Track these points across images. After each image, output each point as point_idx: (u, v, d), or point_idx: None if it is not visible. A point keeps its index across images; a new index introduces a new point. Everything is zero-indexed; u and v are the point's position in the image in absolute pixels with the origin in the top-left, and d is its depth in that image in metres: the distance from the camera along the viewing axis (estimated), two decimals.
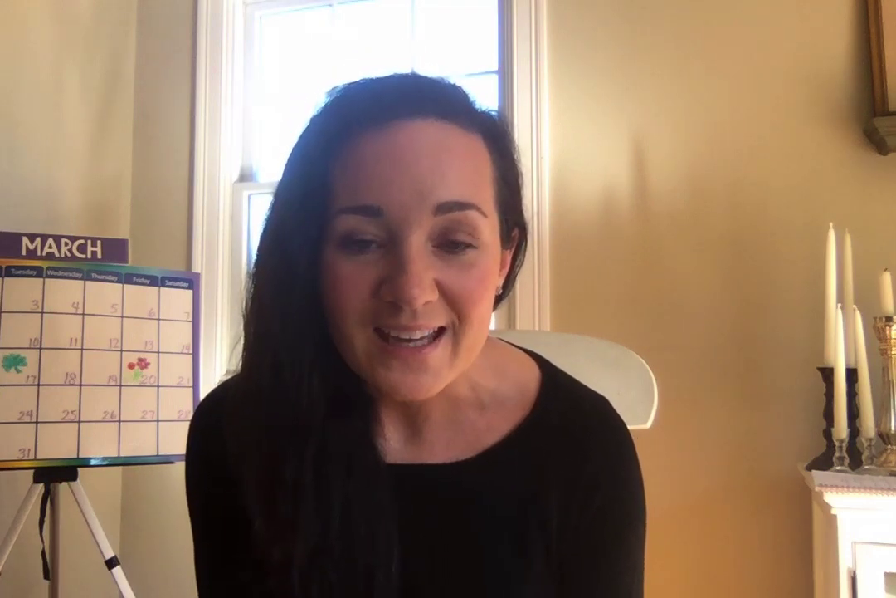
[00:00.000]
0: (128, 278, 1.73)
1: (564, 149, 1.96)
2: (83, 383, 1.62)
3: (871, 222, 1.70)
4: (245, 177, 2.32)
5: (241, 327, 0.64)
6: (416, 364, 0.59)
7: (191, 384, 1.74)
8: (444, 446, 0.67)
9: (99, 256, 1.74)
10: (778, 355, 1.75)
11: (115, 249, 1.77)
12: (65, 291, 1.65)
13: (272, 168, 2.32)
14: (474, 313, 0.60)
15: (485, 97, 0.66)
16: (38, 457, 1.55)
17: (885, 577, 1.29)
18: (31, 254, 1.68)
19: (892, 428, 1.48)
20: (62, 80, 2.12)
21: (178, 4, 2.35)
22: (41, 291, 1.63)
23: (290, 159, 0.63)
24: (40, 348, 1.60)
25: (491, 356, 0.71)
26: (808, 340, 1.69)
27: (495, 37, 2.08)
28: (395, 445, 0.67)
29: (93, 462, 1.61)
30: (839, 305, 1.55)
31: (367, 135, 0.58)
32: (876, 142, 1.70)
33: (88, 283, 1.68)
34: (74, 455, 1.58)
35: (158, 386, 1.70)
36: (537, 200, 1.92)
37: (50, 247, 1.70)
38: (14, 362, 1.57)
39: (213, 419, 0.69)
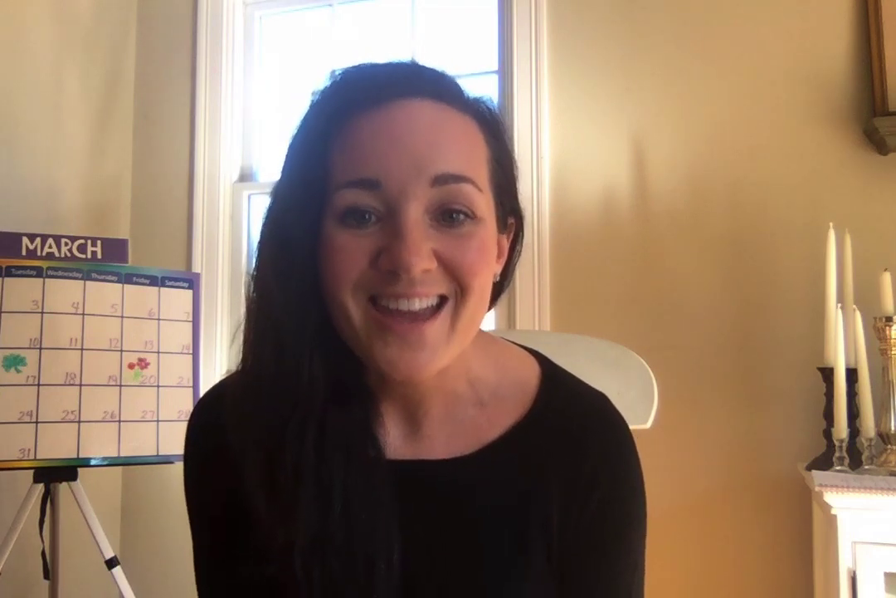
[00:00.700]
0: (128, 278, 1.73)
1: (564, 149, 1.96)
2: (83, 383, 1.62)
3: (871, 222, 1.70)
4: (245, 177, 2.32)
5: (243, 314, 0.65)
6: (413, 339, 0.59)
7: (191, 384, 1.74)
8: (443, 442, 0.67)
9: (99, 256, 1.74)
10: (778, 355, 1.75)
11: (115, 249, 1.77)
12: (65, 292, 1.65)
13: (272, 168, 2.32)
14: (475, 283, 0.60)
15: (482, 92, 0.67)
16: (38, 457, 1.55)
17: (885, 577, 1.29)
18: (31, 254, 1.68)
19: (892, 428, 1.48)
20: (62, 80, 2.12)
21: (178, 4, 2.35)
22: (41, 291, 1.63)
23: (291, 142, 0.64)
24: (40, 348, 1.60)
25: (491, 352, 0.71)
26: (808, 340, 1.69)
27: (495, 37, 2.08)
28: (395, 441, 0.67)
29: (93, 462, 1.61)
30: (839, 305, 1.55)
31: (365, 114, 0.60)
32: (876, 142, 1.70)
33: (88, 283, 1.68)
34: (74, 455, 1.58)
35: (158, 386, 1.70)
36: (537, 200, 1.92)
37: (50, 247, 1.70)
38: (14, 362, 1.57)
39: (212, 414, 0.69)
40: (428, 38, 2.21)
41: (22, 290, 1.61)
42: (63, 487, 1.65)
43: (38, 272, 1.64)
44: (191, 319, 1.79)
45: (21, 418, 1.55)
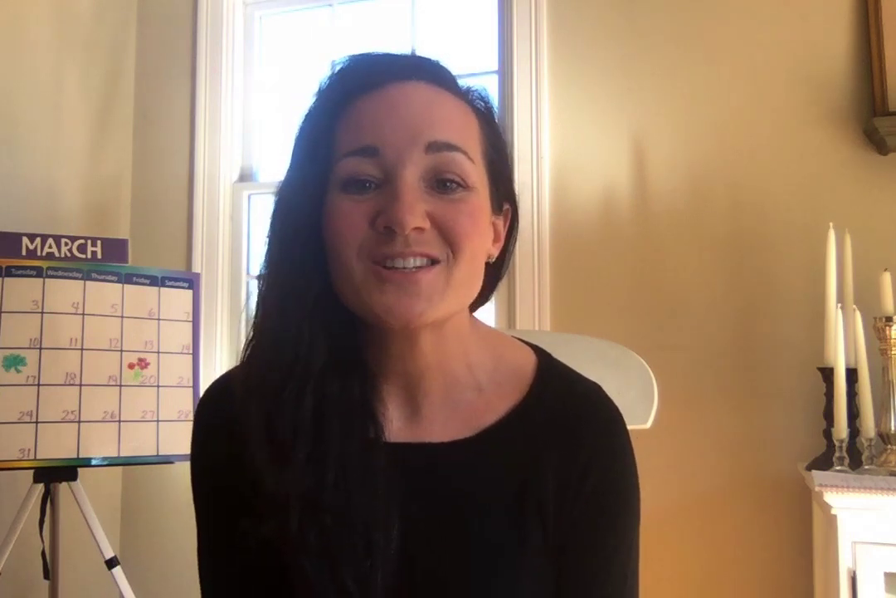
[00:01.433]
0: (128, 278, 1.73)
1: (564, 149, 1.96)
2: (83, 383, 1.62)
3: (871, 222, 1.70)
4: (245, 177, 2.32)
5: (248, 313, 0.68)
6: (409, 286, 0.61)
7: (191, 384, 1.74)
8: (442, 425, 0.69)
9: (99, 256, 1.74)
10: (778, 355, 1.75)
11: (115, 249, 1.77)
12: (65, 292, 1.65)
13: (272, 168, 2.32)
14: (466, 246, 0.63)
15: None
16: (38, 457, 1.55)
17: (885, 577, 1.29)
18: (31, 254, 1.68)
19: (892, 428, 1.48)
20: (62, 80, 2.12)
21: (178, 4, 2.35)
22: (41, 291, 1.63)
23: (300, 125, 0.68)
24: (40, 348, 1.60)
25: (489, 340, 0.73)
26: (808, 340, 1.69)
27: (495, 37, 2.09)
28: (396, 423, 0.68)
29: (93, 462, 1.61)
30: (839, 305, 1.55)
31: (366, 96, 0.64)
32: (876, 142, 1.70)
33: (88, 283, 1.68)
34: (74, 455, 1.58)
35: (158, 386, 1.70)
36: (537, 200, 1.92)
37: (50, 247, 1.70)
38: (14, 362, 1.57)
39: (217, 405, 0.72)
40: (428, 38, 2.21)
41: (22, 290, 1.62)
42: (63, 487, 1.65)
43: (38, 272, 1.64)
44: (191, 319, 1.79)
45: (21, 418, 1.55)
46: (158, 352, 1.72)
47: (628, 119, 1.91)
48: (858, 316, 1.51)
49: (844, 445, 1.48)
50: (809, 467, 1.53)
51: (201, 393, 0.75)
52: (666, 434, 1.74)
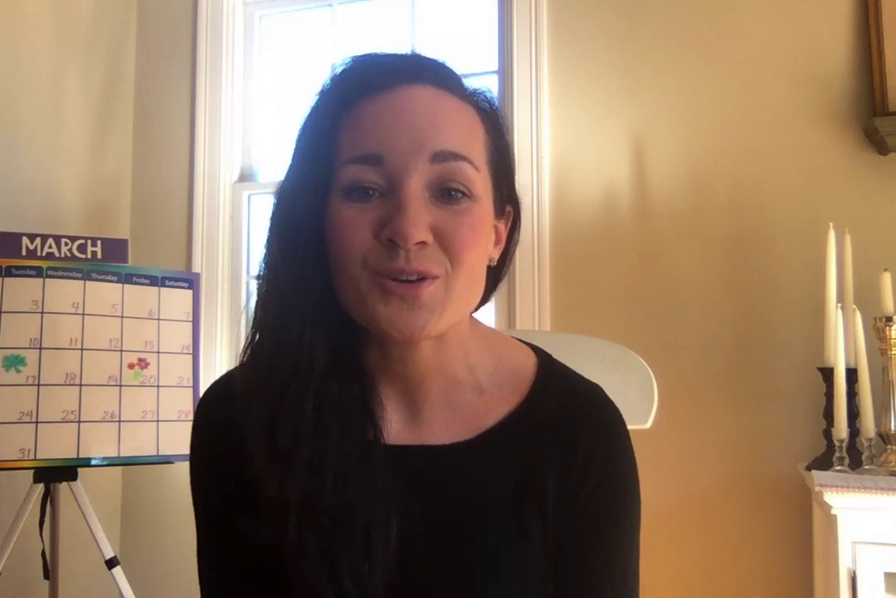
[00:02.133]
0: (128, 278, 1.73)
1: (564, 149, 1.96)
2: (83, 383, 1.62)
3: (871, 222, 1.70)
4: (245, 177, 2.32)
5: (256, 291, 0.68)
6: (412, 299, 0.61)
7: (191, 384, 1.74)
8: (442, 427, 0.69)
9: (99, 256, 1.74)
10: (778, 355, 1.75)
11: (115, 249, 1.77)
12: (65, 291, 1.65)
13: (272, 168, 2.32)
14: (466, 258, 0.62)
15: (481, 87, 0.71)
16: (38, 457, 1.55)
17: (885, 577, 1.29)
18: (31, 254, 1.68)
19: (892, 428, 1.48)
20: (62, 79, 2.12)
21: (178, 4, 2.35)
22: (41, 291, 1.63)
23: (302, 125, 0.67)
24: (40, 348, 1.60)
25: (489, 341, 0.73)
26: (808, 340, 1.69)
27: (495, 37, 2.09)
28: (394, 425, 0.68)
29: (93, 462, 1.61)
30: (839, 305, 1.55)
31: (371, 98, 0.63)
32: (876, 142, 1.70)
33: (88, 283, 1.68)
34: (74, 455, 1.58)
35: (158, 386, 1.70)
36: (537, 200, 1.92)
37: (50, 247, 1.70)
38: (14, 362, 1.57)
39: (217, 407, 0.71)
40: (428, 38, 2.21)
41: (22, 290, 1.62)
42: (63, 487, 1.65)
43: (38, 272, 1.64)
44: (191, 319, 1.79)
45: (21, 418, 1.55)
46: (158, 352, 1.72)
47: (628, 119, 1.91)
48: (858, 316, 1.51)
49: (844, 445, 1.48)
50: (809, 467, 1.53)
51: (201, 393, 0.75)
52: (666, 434, 1.74)
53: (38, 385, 1.58)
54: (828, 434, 1.56)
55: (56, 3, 2.11)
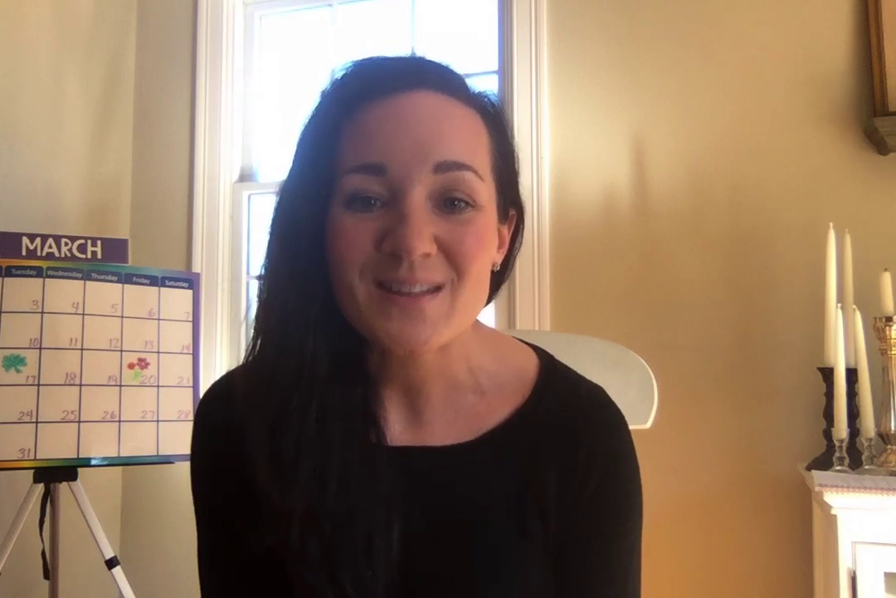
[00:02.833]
0: (128, 278, 1.73)
1: (564, 149, 1.96)
2: (83, 383, 1.62)
3: (871, 222, 1.70)
4: (245, 177, 2.32)
5: (256, 297, 0.67)
6: (414, 313, 0.60)
7: (191, 384, 1.74)
8: (444, 429, 0.68)
9: (99, 256, 1.74)
10: (778, 355, 1.75)
11: (115, 249, 1.77)
12: (65, 291, 1.65)
13: (272, 168, 2.32)
14: (471, 269, 0.62)
15: (484, 89, 0.69)
16: (38, 457, 1.55)
17: (885, 577, 1.29)
18: (31, 254, 1.68)
19: (892, 428, 1.48)
20: (62, 79, 2.12)
21: (178, 4, 2.35)
22: (41, 291, 1.63)
23: (302, 130, 0.66)
24: (40, 348, 1.60)
25: (491, 342, 0.73)
26: (808, 340, 1.69)
27: (495, 37, 2.09)
28: (397, 426, 0.68)
29: (93, 462, 1.61)
30: (839, 305, 1.55)
31: (372, 105, 0.62)
32: (876, 142, 1.70)
33: (88, 283, 1.68)
34: (74, 455, 1.58)
35: (158, 386, 1.70)
36: (537, 200, 1.92)
37: (50, 247, 1.70)
38: (14, 362, 1.57)
39: (217, 409, 0.71)
40: (428, 38, 2.21)
41: (22, 290, 1.61)
42: (63, 487, 1.65)
43: (38, 272, 1.64)
44: (191, 319, 1.79)
45: (21, 418, 1.55)
46: (158, 352, 1.72)
47: (628, 119, 1.91)
48: (858, 316, 1.51)
49: (844, 445, 1.48)
50: (809, 467, 1.53)
51: (201, 393, 0.76)
52: (666, 434, 1.74)
53: (38, 385, 1.58)
54: (828, 434, 1.56)
55: (56, 3, 2.11)
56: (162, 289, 1.77)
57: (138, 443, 1.65)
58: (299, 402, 0.62)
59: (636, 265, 1.87)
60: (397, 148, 0.60)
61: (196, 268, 2.21)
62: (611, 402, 0.72)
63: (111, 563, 1.63)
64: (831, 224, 1.63)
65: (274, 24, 2.39)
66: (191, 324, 1.79)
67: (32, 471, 1.60)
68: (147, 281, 1.75)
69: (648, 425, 0.98)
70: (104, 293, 1.69)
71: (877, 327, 1.52)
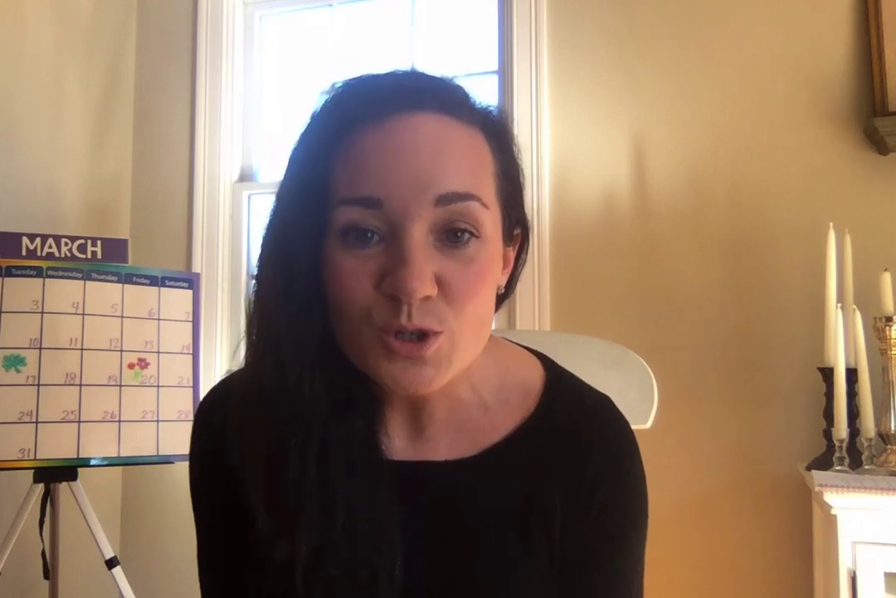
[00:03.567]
0: (128, 278, 1.73)
1: (564, 149, 1.96)
2: (83, 383, 1.62)
3: (871, 222, 1.70)
4: (245, 177, 2.32)
5: (244, 326, 0.65)
6: (416, 358, 0.58)
7: (191, 384, 1.74)
8: (447, 444, 0.67)
9: (99, 256, 1.74)
10: (778, 355, 1.75)
11: (115, 249, 1.77)
12: (65, 291, 1.65)
13: (272, 168, 2.32)
14: (469, 307, 0.59)
15: (485, 97, 0.66)
16: (38, 457, 1.55)
17: (885, 577, 1.29)
18: (31, 254, 1.68)
19: (892, 428, 1.48)
20: (62, 79, 2.12)
21: (178, 4, 2.35)
22: (41, 291, 1.63)
23: (291, 157, 0.63)
24: (40, 348, 1.60)
25: (495, 355, 0.71)
26: (808, 340, 1.69)
27: (495, 37, 2.08)
28: (399, 442, 0.67)
29: (93, 462, 1.61)
30: (839, 305, 1.55)
31: (367, 129, 0.58)
32: (876, 142, 1.70)
33: (88, 283, 1.68)
34: (74, 455, 1.58)
35: (158, 386, 1.70)
36: (537, 200, 1.92)
37: (50, 247, 1.70)
38: (14, 362, 1.57)
39: (216, 416, 0.69)
40: (428, 38, 2.21)
41: (22, 290, 1.61)
42: (63, 487, 1.65)
43: (38, 272, 1.64)
44: (191, 319, 1.79)
45: (21, 418, 1.55)
46: (158, 352, 1.72)
47: (628, 119, 1.91)
48: (858, 316, 1.51)
49: (844, 445, 1.48)
50: (809, 467, 1.53)
51: (201, 393, 0.75)
52: (666, 434, 1.74)
53: (38, 385, 1.58)
54: (828, 434, 1.56)
55: (56, 3, 2.11)
56: (162, 289, 1.77)
57: (138, 443, 1.65)
58: (299, 448, 0.60)
59: (636, 265, 1.87)
60: (395, 181, 0.56)
61: (196, 268, 2.21)
62: (618, 414, 0.70)
63: (111, 563, 1.63)
64: (831, 224, 1.63)
65: (274, 24, 2.39)
66: (191, 324, 1.79)
67: (32, 471, 1.60)
68: (147, 281, 1.75)
69: (648, 425, 0.98)
70: (104, 293, 1.69)
71: (877, 327, 1.52)
